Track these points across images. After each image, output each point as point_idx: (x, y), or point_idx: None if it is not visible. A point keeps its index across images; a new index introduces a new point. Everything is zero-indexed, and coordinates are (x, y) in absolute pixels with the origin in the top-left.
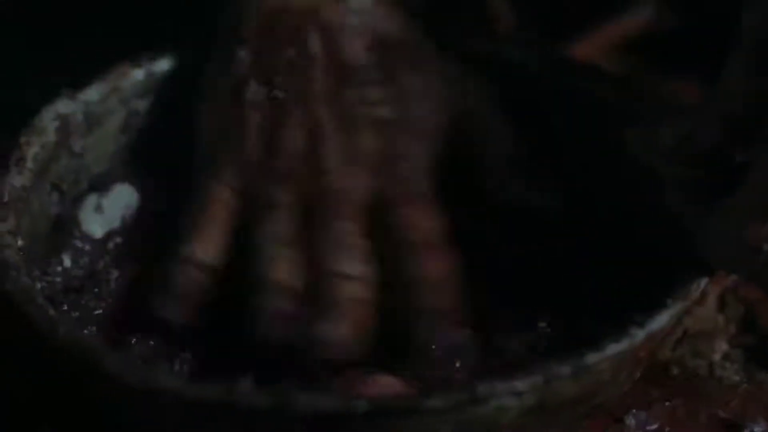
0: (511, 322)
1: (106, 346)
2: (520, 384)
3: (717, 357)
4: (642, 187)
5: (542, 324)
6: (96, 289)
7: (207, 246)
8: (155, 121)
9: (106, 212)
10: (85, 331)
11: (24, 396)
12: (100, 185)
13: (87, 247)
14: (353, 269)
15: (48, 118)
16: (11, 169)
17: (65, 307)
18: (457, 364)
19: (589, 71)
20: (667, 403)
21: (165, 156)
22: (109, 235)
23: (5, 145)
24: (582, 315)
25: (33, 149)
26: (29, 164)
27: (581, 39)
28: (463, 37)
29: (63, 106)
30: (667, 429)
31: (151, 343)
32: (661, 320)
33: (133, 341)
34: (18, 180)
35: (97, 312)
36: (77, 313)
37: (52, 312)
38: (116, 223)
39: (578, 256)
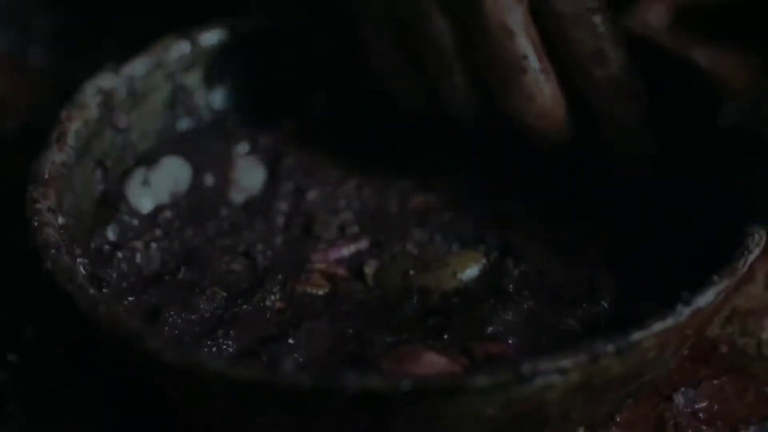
0: (569, 299)
1: (145, 326)
2: (564, 361)
3: (765, 335)
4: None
5: (599, 302)
6: (141, 265)
7: None
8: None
9: (154, 186)
10: (125, 303)
11: (67, 371)
12: (147, 160)
13: (134, 222)
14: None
15: (90, 93)
16: (52, 145)
17: (108, 284)
18: (509, 341)
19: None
20: (715, 381)
21: (214, 128)
22: (157, 210)
23: (48, 120)
24: (638, 293)
25: (75, 125)
26: (70, 140)
27: (635, 7)
28: None
29: (106, 80)
30: (715, 407)
31: (191, 316)
32: (706, 297)
33: (170, 314)
34: (59, 156)
35: (139, 287)
36: (123, 285)
37: (92, 291)
38: (165, 197)
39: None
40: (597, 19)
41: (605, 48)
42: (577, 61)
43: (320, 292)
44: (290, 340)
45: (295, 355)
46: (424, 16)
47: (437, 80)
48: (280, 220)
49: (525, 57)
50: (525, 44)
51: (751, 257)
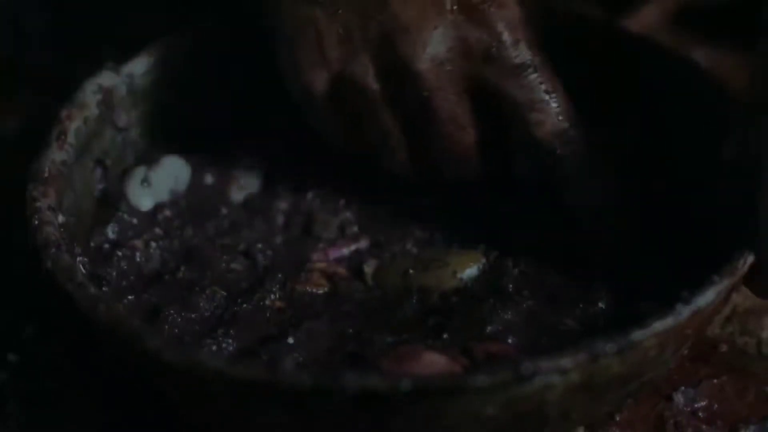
0: (569, 299)
1: (145, 326)
2: (564, 361)
3: (765, 334)
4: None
5: (598, 302)
6: (141, 264)
7: None
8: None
9: (154, 185)
10: (125, 302)
11: (67, 371)
12: (147, 159)
13: (134, 221)
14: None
15: (90, 92)
16: (52, 144)
17: (108, 283)
18: (509, 341)
19: (644, 44)
20: (715, 381)
21: (214, 128)
22: (157, 209)
23: (48, 119)
24: (637, 293)
25: (75, 124)
26: (71, 139)
27: (635, 10)
28: None
29: (105, 79)
30: (715, 406)
31: (191, 315)
32: (707, 297)
33: (170, 313)
34: (59, 155)
35: (139, 286)
36: (123, 284)
37: (92, 290)
38: (164, 196)
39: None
40: (533, 75)
41: (542, 99)
42: (516, 113)
43: (320, 292)
44: (290, 340)
45: (295, 355)
46: (373, 111)
47: (380, 155)
48: (280, 220)
49: (472, 145)
50: (473, 134)
51: (751, 257)
